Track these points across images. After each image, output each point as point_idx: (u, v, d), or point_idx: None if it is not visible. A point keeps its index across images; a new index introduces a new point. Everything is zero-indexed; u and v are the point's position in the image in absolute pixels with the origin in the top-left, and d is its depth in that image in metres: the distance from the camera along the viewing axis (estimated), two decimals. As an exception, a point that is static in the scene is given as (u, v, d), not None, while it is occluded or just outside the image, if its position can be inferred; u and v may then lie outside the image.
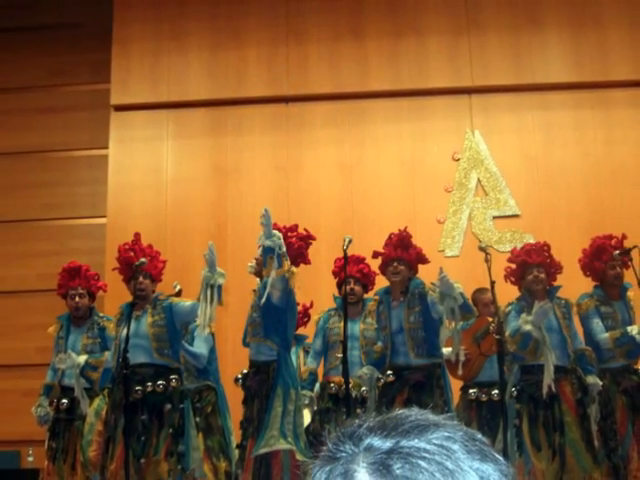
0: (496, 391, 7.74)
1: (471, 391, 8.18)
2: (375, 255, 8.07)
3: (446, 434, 1.17)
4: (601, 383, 7.58)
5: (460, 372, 7.82)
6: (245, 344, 7.81)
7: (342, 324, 7.39)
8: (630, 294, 8.10)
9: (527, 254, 7.91)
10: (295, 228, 7.79)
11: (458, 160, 11.61)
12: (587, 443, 7.31)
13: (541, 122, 11.62)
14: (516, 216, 11.39)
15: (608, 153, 11.43)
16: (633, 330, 7.72)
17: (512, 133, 11.66)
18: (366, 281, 8.60)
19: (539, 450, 7.29)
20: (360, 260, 8.58)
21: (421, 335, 7.61)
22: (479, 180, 11.55)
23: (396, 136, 11.71)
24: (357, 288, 8.48)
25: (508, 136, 11.65)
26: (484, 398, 8.09)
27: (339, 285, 8.51)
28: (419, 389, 7.48)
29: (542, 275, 7.81)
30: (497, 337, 7.33)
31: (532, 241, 10.16)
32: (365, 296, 8.56)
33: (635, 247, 7.86)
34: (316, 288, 9.76)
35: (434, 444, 1.16)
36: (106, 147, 11.99)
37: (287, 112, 11.90)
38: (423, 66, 11.82)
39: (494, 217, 11.42)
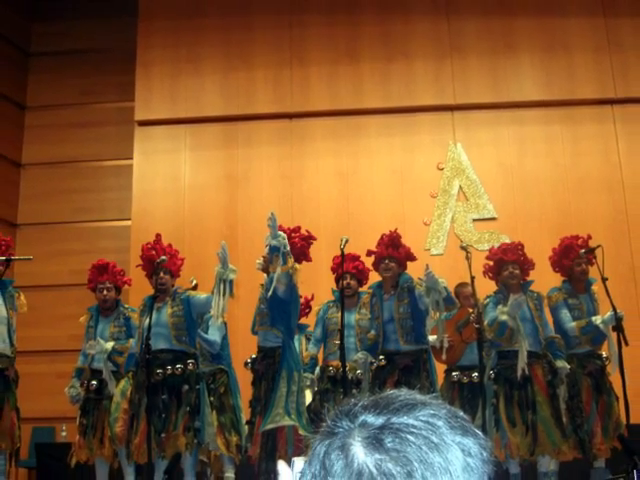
0: (476, 374, 7.82)
1: (454, 374, 8.21)
2: (369, 253, 8.03)
3: (431, 412, 1.17)
4: (569, 367, 7.59)
5: (444, 357, 7.84)
6: (254, 332, 7.80)
7: (340, 314, 7.35)
8: (594, 288, 8.07)
9: (503, 252, 7.90)
10: (298, 229, 7.76)
11: (442, 169, 11.61)
12: (556, 420, 7.35)
13: (516, 136, 11.63)
14: (493, 219, 11.39)
15: (575, 163, 11.42)
16: (597, 320, 7.71)
17: (490, 145, 11.67)
18: (361, 276, 8.53)
19: (514, 426, 7.31)
20: (356, 258, 8.52)
21: (409, 324, 7.60)
22: (461, 187, 11.55)
23: (387, 148, 11.72)
24: (353, 283, 8.41)
25: (486, 148, 11.67)
26: (465, 380, 8.13)
27: (337, 280, 8.42)
28: (408, 372, 7.48)
29: (516, 271, 7.78)
30: (477, 326, 7.32)
31: (508, 241, 10.09)
32: (360, 290, 8.48)
33: (599, 246, 7.79)
34: (316, 282, 9.64)
35: (421, 420, 1.15)
36: (131, 158, 11.97)
37: (291, 127, 11.89)
38: (411, 86, 11.83)
39: (474, 220, 11.43)
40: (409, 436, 1.13)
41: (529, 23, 11.92)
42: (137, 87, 12.09)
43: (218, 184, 11.79)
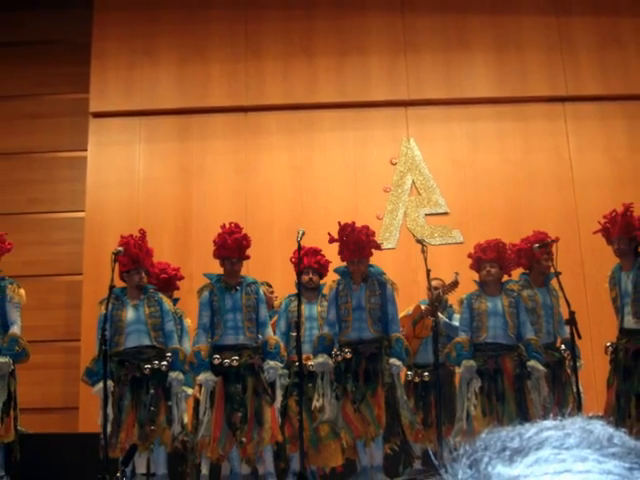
0: (426, 373, 8.24)
1: (408, 373, 8.40)
2: (331, 240, 8.04)
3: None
4: (542, 369, 7.58)
5: (416, 331, 8.27)
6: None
7: (302, 307, 7.67)
8: (553, 283, 8.11)
9: (482, 251, 7.92)
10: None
11: (395, 164, 11.58)
12: (520, 414, 7.39)
13: (468, 132, 11.63)
14: (445, 214, 11.38)
15: (526, 160, 11.46)
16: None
17: (443, 141, 11.64)
18: (322, 271, 8.60)
19: (484, 415, 7.45)
20: (317, 252, 8.54)
21: (378, 314, 7.76)
22: (413, 182, 11.51)
23: (341, 142, 11.68)
24: (315, 277, 8.51)
25: (439, 143, 11.64)
26: (417, 380, 8.40)
27: (298, 274, 8.24)
28: (374, 359, 7.63)
29: (493, 270, 7.83)
30: (432, 319, 7.51)
31: (459, 236, 10.81)
32: (321, 282, 8.58)
33: (553, 241, 7.87)
34: (271, 275, 9.75)
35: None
36: (85, 149, 11.84)
37: (245, 120, 11.81)
38: (365, 81, 11.78)
39: (426, 214, 11.41)
40: None
41: (483, 21, 11.92)
42: (92, 78, 11.89)
43: (172, 177, 11.67)
